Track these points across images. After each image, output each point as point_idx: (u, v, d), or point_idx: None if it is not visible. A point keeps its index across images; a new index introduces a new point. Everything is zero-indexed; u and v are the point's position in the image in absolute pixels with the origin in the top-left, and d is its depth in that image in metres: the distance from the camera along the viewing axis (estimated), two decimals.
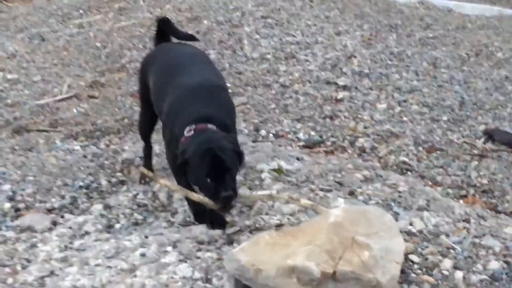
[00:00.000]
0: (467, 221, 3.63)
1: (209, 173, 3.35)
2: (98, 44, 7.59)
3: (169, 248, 3.32)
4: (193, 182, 3.50)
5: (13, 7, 9.66)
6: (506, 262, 3.25)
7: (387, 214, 3.34)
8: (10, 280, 3.21)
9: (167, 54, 4.20)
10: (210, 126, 3.52)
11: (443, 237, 3.44)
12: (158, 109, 4.00)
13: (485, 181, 4.65)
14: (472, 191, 4.51)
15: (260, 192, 3.86)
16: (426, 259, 3.27)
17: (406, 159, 4.88)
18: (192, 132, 3.48)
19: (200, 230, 3.49)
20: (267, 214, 3.61)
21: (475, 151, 5.07)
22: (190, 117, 3.55)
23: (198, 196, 3.48)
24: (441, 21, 7.91)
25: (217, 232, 3.47)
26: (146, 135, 4.41)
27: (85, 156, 4.78)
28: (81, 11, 9.01)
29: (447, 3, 8.62)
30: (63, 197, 4.17)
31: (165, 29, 4.48)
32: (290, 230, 3.22)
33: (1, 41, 7.91)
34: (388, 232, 3.16)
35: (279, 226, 3.46)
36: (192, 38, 4.72)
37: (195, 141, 3.43)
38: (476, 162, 4.90)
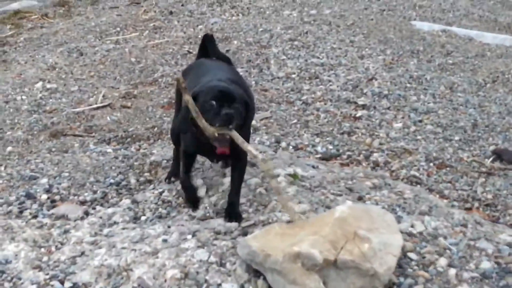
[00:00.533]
0: (464, 225, 3.91)
1: (215, 97, 3.69)
2: (133, 59, 8.02)
3: (189, 236, 3.66)
4: (200, 110, 3.72)
5: (54, 23, 10.17)
6: (497, 263, 3.51)
7: (388, 213, 3.65)
8: (45, 258, 3.59)
9: (201, 65, 4.49)
10: None
11: (441, 238, 3.73)
12: None
13: (490, 196, 4.89)
14: (476, 204, 4.75)
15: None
16: (424, 257, 3.55)
17: (416, 174, 5.14)
18: None
19: (218, 223, 3.83)
20: (280, 211, 3.92)
21: (483, 169, 5.33)
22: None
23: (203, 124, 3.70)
24: (462, 48, 8.20)
25: (233, 224, 3.80)
26: (177, 139, 4.73)
27: (116, 158, 5.17)
28: (118, 28, 9.46)
29: (468, 32, 8.90)
30: (95, 191, 4.55)
31: (206, 45, 4.65)
32: (299, 223, 3.54)
33: (42, 54, 8.38)
34: (388, 229, 3.47)
35: (289, 222, 3.77)
36: (228, 59, 4.80)
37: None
38: (483, 179, 5.14)
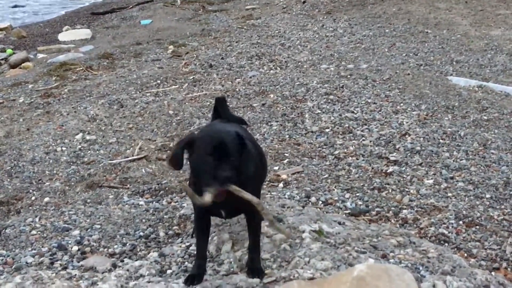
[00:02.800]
0: (487, 287, 3.91)
1: (212, 151, 3.57)
2: (171, 112, 8.21)
3: None
4: (194, 164, 3.74)
5: (98, 75, 10.48)
6: None
7: (407, 272, 3.68)
8: None
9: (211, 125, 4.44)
10: None
11: None
12: None
13: None
14: (504, 264, 4.73)
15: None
16: None
17: (445, 231, 5.14)
18: None
19: (241, 278, 3.89)
20: (302, 268, 3.98)
21: None
22: None
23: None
24: (497, 104, 8.19)
25: (255, 280, 3.87)
26: None
27: (147, 210, 5.31)
28: (158, 81, 9.71)
29: (505, 88, 8.89)
30: (124, 244, 4.69)
31: (218, 108, 4.62)
32: (317, 281, 3.59)
33: (84, 106, 8.64)
34: None
35: (311, 279, 3.82)
36: (241, 121, 4.84)
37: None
38: None
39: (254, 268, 4.00)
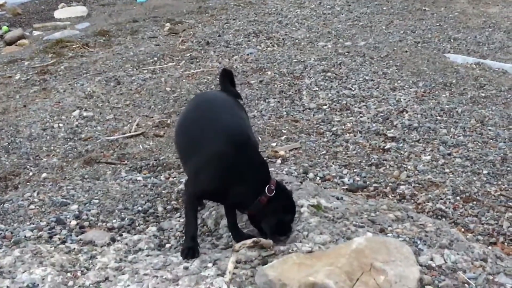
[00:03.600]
0: (484, 260, 3.93)
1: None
2: (168, 89, 8.18)
3: (209, 265, 3.75)
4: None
5: (94, 52, 10.42)
6: None
7: (405, 245, 3.70)
8: (70, 283, 3.72)
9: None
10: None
11: (460, 272, 3.76)
12: None
13: None
14: (501, 239, 4.75)
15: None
16: None
17: (442, 207, 5.16)
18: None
19: (240, 252, 3.90)
20: (300, 242, 3.99)
21: (510, 204, 5.31)
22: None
23: None
24: (495, 82, 8.18)
25: (253, 253, 3.88)
26: None
27: (145, 186, 5.31)
28: (155, 58, 9.66)
29: (503, 65, 8.87)
30: (123, 218, 4.70)
31: (222, 79, 4.88)
32: (316, 253, 3.61)
33: (81, 83, 8.61)
34: (405, 261, 3.51)
35: (309, 252, 3.84)
36: (237, 96, 4.91)
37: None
38: (510, 214, 5.12)
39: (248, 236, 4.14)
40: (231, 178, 3.90)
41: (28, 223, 4.67)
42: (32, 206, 5.00)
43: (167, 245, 4.22)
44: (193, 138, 4.14)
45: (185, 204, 4.05)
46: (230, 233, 4.23)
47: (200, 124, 4.16)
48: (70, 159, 6.28)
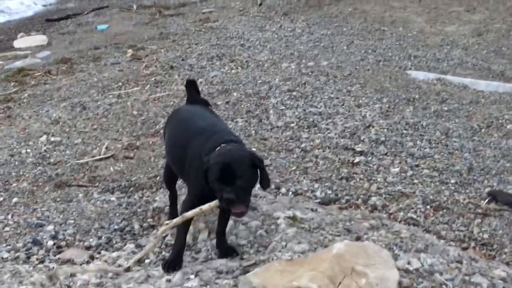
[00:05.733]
0: (459, 262, 4.02)
1: (219, 178, 3.77)
2: (135, 112, 8.19)
3: (192, 276, 3.78)
4: (211, 184, 3.89)
5: (57, 79, 10.38)
6: None
7: (384, 250, 3.78)
8: None
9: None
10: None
11: (437, 274, 3.84)
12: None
13: (486, 236, 4.99)
14: (473, 244, 4.86)
15: None
16: None
17: (414, 216, 5.26)
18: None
19: (220, 263, 3.95)
20: (280, 251, 4.04)
21: (479, 210, 5.44)
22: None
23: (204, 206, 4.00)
24: (456, 96, 8.38)
25: (234, 264, 3.92)
26: (170, 184, 4.92)
27: (120, 205, 5.31)
28: (119, 83, 9.66)
29: (463, 80, 9.09)
30: (100, 237, 4.70)
31: (187, 89, 5.17)
32: (298, 260, 3.66)
33: (46, 109, 8.56)
34: (384, 264, 3.58)
35: (290, 260, 3.89)
36: (205, 103, 5.16)
37: (217, 153, 3.92)
38: (479, 220, 5.25)
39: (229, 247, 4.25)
40: None
41: (4, 245, 4.64)
42: (7, 228, 4.96)
43: (146, 261, 4.23)
44: (179, 150, 4.35)
45: (182, 211, 4.09)
46: (215, 240, 4.29)
47: (182, 136, 4.34)
48: (40, 183, 6.24)
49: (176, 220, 3.99)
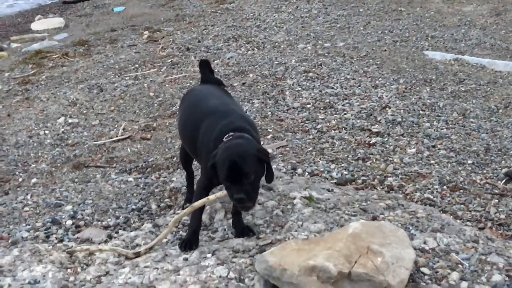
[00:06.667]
0: (476, 241, 4.02)
1: (227, 177, 3.75)
2: (151, 94, 8.24)
3: (209, 255, 3.81)
4: (220, 180, 3.89)
5: (74, 61, 10.44)
6: (508, 276, 3.62)
7: (400, 229, 3.78)
8: (71, 278, 3.76)
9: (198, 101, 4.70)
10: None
11: (453, 254, 3.84)
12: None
13: (503, 216, 4.98)
14: (489, 224, 4.86)
15: None
16: (436, 271, 3.67)
17: (430, 196, 5.26)
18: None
19: (237, 242, 3.97)
20: (296, 231, 4.06)
21: (496, 191, 5.42)
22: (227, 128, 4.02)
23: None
24: (474, 76, 8.33)
25: (251, 243, 3.94)
26: (186, 165, 4.94)
27: (137, 185, 5.35)
28: (136, 65, 9.71)
29: (480, 60, 9.03)
30: (117, 217, 4.74)
31: (201, 69, 5.15)
32: (313, 239, 3.68)
33: (64, 91, 8.63)
34: (400, 244, 3.59)
35: (306, 239, 3.91)
36: (219, 83, 5.13)
37: (223, 147, 3.86)
38: (496, 200, 5.23)
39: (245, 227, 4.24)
40: None
41: (24, 224, 4.69)
42: (26, 208, 5.02)
43: (164, 240, 4.26)
44: (191, 131, 4.35)
45: (194, 199, 4.10)
46: (232, 219, 4.35)
47: (193, 117, 4.35)
48: (58, 164, 6.31)
49: (186, 210, 4.04)
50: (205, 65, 5.09)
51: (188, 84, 8.49)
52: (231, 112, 4.24)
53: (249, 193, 3.72)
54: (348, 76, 8.36)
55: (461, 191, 5.39)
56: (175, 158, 6.15)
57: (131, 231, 4.45)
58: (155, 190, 5.20)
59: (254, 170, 3.76)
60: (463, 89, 7.88)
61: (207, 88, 4.83)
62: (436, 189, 5.40)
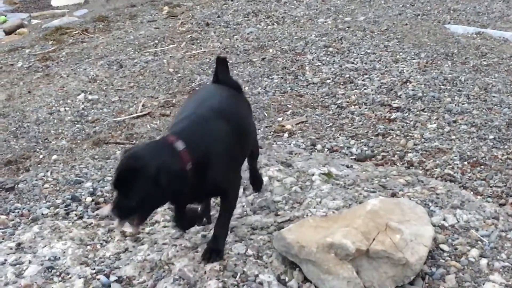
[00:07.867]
0: (496, 218, 3.99)
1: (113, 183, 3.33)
2: (171, 70, 8.22)
3: None
4: None
5: (94, 37, 10.44)
6: None
7: (419, 206, 3.77)
8: (91, 255, 3.79)
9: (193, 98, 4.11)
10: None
11: (472, 231, 3.83)
12: None
13: None
14: (510, 200, 4.81)
15: None
16: (456, 248, 3.66)
17: (451, 172, 5.21)
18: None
19: (255, 219, 3.98)
20: (314, 208, 4.06)
21: None
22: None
23: None
24: (496, 50, 8.22)
25: (269, 220, 3.95)
26: None
27: None
28: (156, 41, 9.69)
29: (503, 34, 8.91)
30: None
31: (217, 68, 4.18)
32: (332, 216, 3.67)
33: (83, 67, 8.64)
34: (419, 221, 3.57)
35: (325, 216, 3.90)
36: (236, 86, 4.23)
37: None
38: None
39: (214, 248, 3.59)
40: None
41: (44, 201, 4.73)
42: (46, 185, 5.06)
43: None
44: None
45: None
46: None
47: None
48: (79, 141, 6.33)
49: None
50: (222, 64, 4.17)
51: (208, 60, 8.46)
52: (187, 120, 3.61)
53: (121, 210, 3.25)
54: (368, 51, 8.28)
55: (482, 166, 5.34)
56: None
57: None
58: None
59: (132, 189, 3.19)
60: (485, 63, 7.78)
61: (208, 90, 4.25)
62: (457, 164, 5.35)
